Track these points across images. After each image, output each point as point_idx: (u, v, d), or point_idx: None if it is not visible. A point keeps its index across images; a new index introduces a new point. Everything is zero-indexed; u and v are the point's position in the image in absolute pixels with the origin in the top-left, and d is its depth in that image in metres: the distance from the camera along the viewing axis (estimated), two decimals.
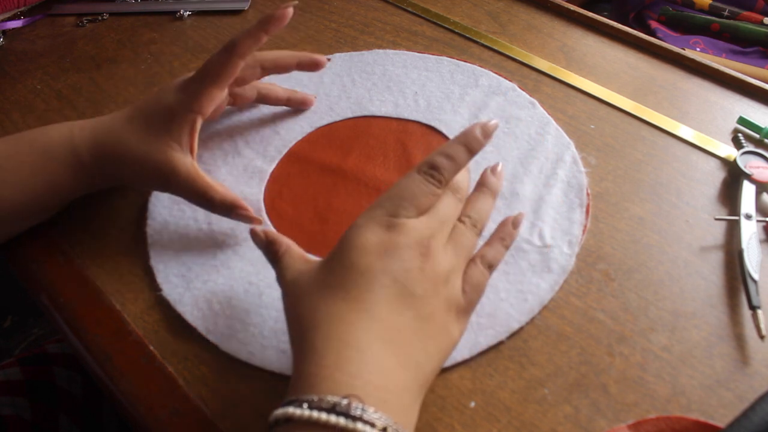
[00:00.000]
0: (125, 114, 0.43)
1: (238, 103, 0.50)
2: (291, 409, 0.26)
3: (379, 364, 0.29)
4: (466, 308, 0.33)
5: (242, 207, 0.42)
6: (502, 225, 0.37)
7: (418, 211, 0.33)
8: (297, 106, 0.52)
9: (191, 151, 0.42)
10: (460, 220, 0.35)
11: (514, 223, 0.37)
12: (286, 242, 0.36)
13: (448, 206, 0.34)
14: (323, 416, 0.25)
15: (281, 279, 0.34)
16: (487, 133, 0.35)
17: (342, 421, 0.25)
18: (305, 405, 0.26)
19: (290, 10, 0.42)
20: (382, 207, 0.33)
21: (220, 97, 0.43)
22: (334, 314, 0.30)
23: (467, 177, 0.37)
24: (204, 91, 0.41)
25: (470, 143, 0.34)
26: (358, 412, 0.26)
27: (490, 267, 0.35)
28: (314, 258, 0.35)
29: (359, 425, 0.25)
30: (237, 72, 0.42)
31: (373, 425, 0.26)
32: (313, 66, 0.49)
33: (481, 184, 0.37)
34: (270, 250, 0.36)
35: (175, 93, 0.42)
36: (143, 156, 0.41)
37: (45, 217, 0.44)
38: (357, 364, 0.28)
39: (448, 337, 0.32)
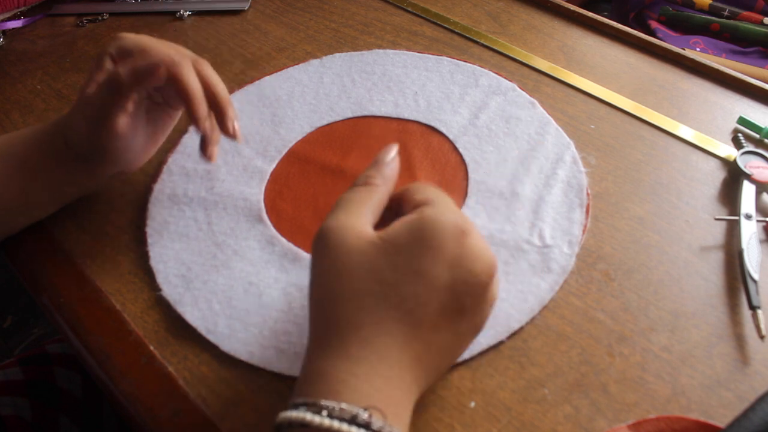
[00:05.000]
0: (76, 104, 0.42)
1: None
2: (309, 416, 0.25)
3: (402, 379, 0.28)
4: None
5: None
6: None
7: None
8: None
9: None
10: None
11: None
12: (387, 177, 0.32)
13: None
14: (344, 427, 0.24)
15: (340, 209, 0.30)
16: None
17: None
18: (324, 412, 0.25)
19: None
20: (453, 203, 0.31)
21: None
22: (380, 321, 0.28)
23: None
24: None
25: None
26: (377, 426, 0.25)
27: None
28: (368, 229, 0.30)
29: None
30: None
31: None
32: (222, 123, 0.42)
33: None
34: (379, 167, 0.32)
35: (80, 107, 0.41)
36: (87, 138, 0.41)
37: (42, 215, 0.45)
38: (385, 379, 0.27)
39: (466, 347, 0.32)
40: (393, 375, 0.28)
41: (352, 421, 0.25)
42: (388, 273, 0.28)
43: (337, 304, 0.28)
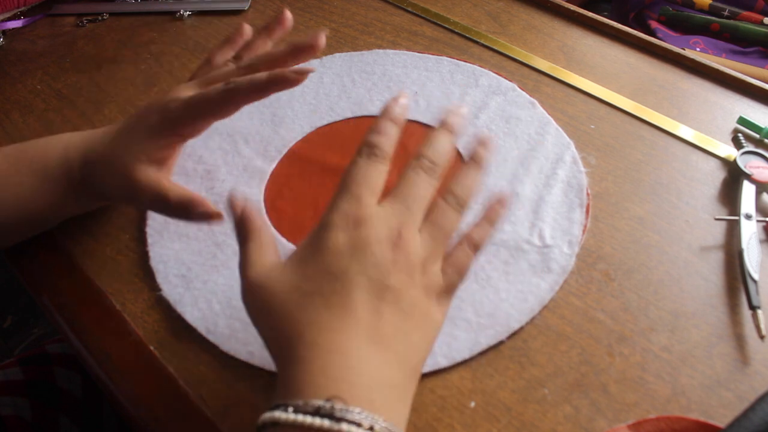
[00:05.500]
0: (112, 129, 0.42)
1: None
2: (277, 413, 0.26)
3: (364, 365, 0.29)
4: (447, 291, 0.33)
5: (199, 204, 0.40)
6: (490, 205, 0.36)
7: (375, 193, 0.33)
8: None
9: (166, 167, 0.41)
10: (442, 197, 0.34)
11: (501, 202, 0.36)
12: (258, 225, 0.34)
13: (416, 185, 0.34)
14: (308, 419, 0.26)
15: (243, 270, 0.33)
16: (402, 104, 0.37)
17: (326, 423, 0.25)
18: (290, 409, 0.26)
19: (298, 78, 0.39)
20: (344, 199, 0.33)
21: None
22: (316, 322, 0.30)
23: (444, 152, 0.36)
24: (196, 122, 0.40)
25: (393, 115, 0.36)
26: (342, 413, 0.26)
27: (476, 248, 0.35)
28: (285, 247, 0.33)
29: (344, 426, 0.25)
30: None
31: (359, 425, 0.26)
32: (310, 49, 0.42)
33: (470, 158, 0.36)
34: (240, 227, 0.34)
35: (162, 115, 0.40)
36: (116, 171, 0.40)
37: (44, 230, 0.44)
38: (340, 368, 0.28)
39: (431, 323, 0.32)
40: (350, 364, 0.28)
41: (316, 412, 0.26)
42: (306, 284, 0.31)
43: (281, 328, 0.31)
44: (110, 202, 0.46)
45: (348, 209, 0.32)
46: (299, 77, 0.39)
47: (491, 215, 0.36)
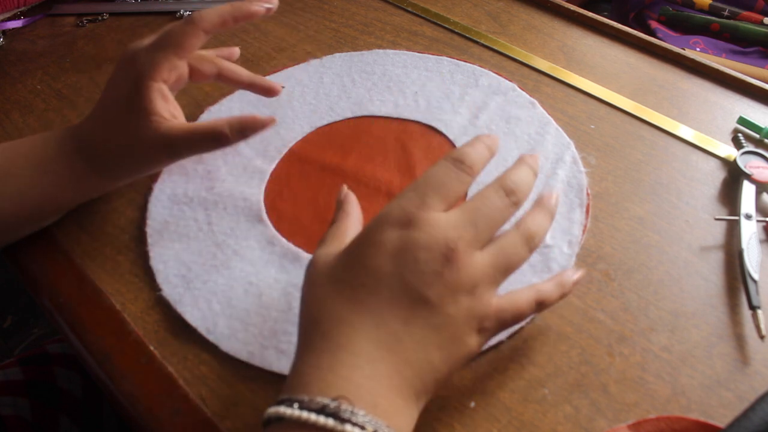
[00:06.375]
0: (98, 112, 0.42)
1: (195, 79, 0.46)
2: (282, 408, 0.26)
3: (373, 369, 0.28)
4: (493, 327, 0.31)
5: (251, 119, 0.40)
6: (564, 272, 0.35)
7: (447, 201, 0.31)
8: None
9: (175, 115, 0.42)
10: (516, 228, 0.33)
11: (575, 281, 0.35)
12: (348, 210, 0.36)
13: (492, 204, 0.31)
14: (312, 417, 0.26)
15: (318, 247, 0.34)
16: (494, 139, 0.35)
17: (331, 422, 0.25)
18: (296, 405, 0.26)
19: (264, 9, 0.42)
20: (406, 197, 0.31)
21: (181, 66, 0.42)
22: (336, 314, 0.29)
23: (529, 182, 0.34)
24: (165, 58, 0.41)
25: (487, 142, 0.34)
26: (347, 415, 0.26)
27: (541, 306, 0.33)
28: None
29: (348, 427, 0.25)
30: (199, 45, 0.42)
31: (362, 428, 0.25)
32: (267, 92, 0.49)
33: (540, 203, 0.35)
34: (337, 207, 0.37)
35: (130, 69, 0.41)
36: (135, 144, 0.40)
37: (46, 224, 0.44)
38: (350, 368, 0.28)
39: (461, 348, 0.30)
40: (359, 364, 0.28)
41: (322, 411, 0.26)
42: (341, 272, 0.31)
43: (309, 309, 0.31)
44: (122, 179, 0.44)
45: (407, 206, 0.30)
46: (259, 10, 0.41)
47: (565, 283, 0.34)
